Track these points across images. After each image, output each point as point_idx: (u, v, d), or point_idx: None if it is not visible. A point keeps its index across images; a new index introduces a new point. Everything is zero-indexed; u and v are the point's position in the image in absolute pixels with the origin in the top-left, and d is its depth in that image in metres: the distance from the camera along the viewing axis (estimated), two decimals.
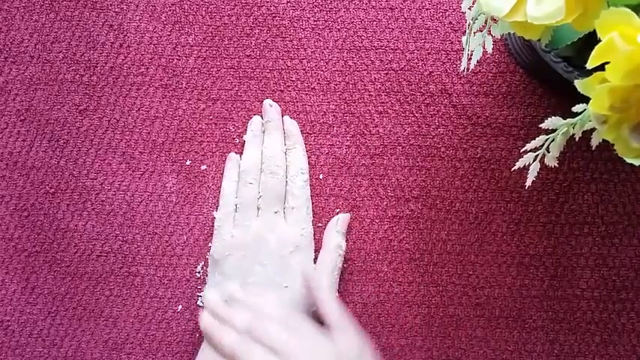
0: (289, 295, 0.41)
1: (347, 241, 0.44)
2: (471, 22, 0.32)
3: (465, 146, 0.44)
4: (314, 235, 0.44)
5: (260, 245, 0.42)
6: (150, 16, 0.46)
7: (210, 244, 0.44)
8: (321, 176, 0.45)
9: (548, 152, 0.31)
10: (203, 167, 0.45)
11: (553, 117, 0.29)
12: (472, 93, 0.44)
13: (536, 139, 0.31)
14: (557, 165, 0.31)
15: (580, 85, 0.25)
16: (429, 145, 0.44)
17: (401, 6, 0.45)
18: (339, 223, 0.43)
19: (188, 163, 0.45)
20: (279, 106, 0.45)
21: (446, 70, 0.45)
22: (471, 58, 0.34)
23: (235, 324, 0.37)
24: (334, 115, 0.45)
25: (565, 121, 0.29)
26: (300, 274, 0.42)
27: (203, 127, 0.45)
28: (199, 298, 0.44)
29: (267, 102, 0.45)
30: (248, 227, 0.42)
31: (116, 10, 0.46)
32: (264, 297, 0.41)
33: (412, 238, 0.44)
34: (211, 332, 0.37)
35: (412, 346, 0.43)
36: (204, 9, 0.46)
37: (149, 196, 0.45)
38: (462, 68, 0.43)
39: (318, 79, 0.45)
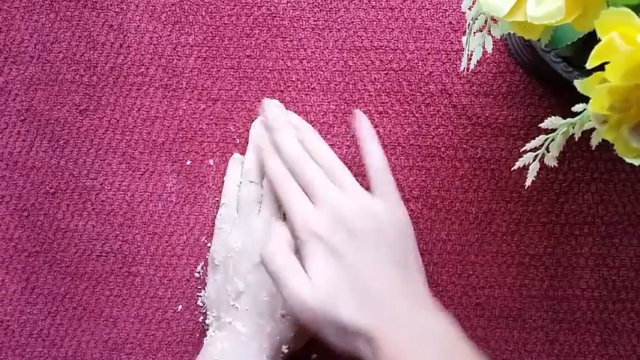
0: None
1: None
2: (471, 22, 0.32)
3: (465, 146, 0.44)
4: None
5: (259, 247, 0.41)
6: (150, 16, 0.46)
7: (210, 245, 0.44)
8: None
9: (548, 152, 0.31)
10: (203, 167, 0.45)
11: (553, 117, 0.29)
12: (472, 93, 0.44)
13: (536, 138, 0.31)
14: (557, 165, 0.31)
15: (580, 85, 0.25)
16: (429, 145, 0.44)
17: (401, 6, 0.45)
18: None
19: (188, 163, 0.45)
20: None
21: (446, 70, 0.45)
22: (471, 58, 0.34)
23: (282, 149, 0.38)
24: (334, 115, 0.45)
25: (565, 120, 0.29)
26: None
27: (203, 128, 0.45)
28: (199, 298, 0.44)
29: (266, 102, 0.44)
30: (248, 228, 0.42)
31: (116, 10, 0.46)
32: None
33: None
34: (260, 145, 0.39)
35: None
36: (204, 9, 0.46)
37: (149, 196, 0.45)
38: (462, 68, 0.43)
39: (318, 79, 0.45)
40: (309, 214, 0.35)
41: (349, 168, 0.44)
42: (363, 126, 0.39)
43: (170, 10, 0.46)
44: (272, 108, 0.42)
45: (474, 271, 0.43)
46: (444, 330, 0.33)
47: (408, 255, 0.35)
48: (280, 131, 0.40)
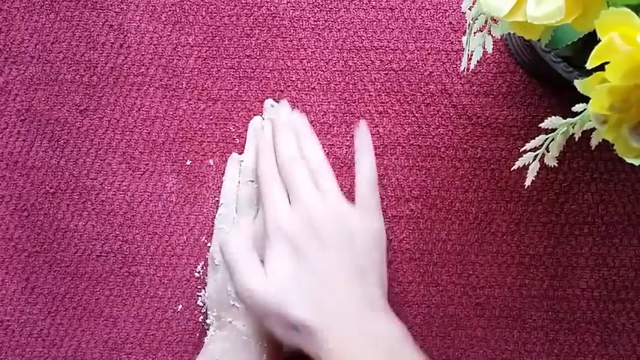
0: None
1: None
2: (471, 22, 0.32)
3: (465, 146, 0.44)
4: None
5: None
6: (150, 16, 0.46)
7: (210, 244, 0.44)
8: None
9: (548, 152, 0.31)
10: (203, 167, 0.45)
11: (553, 117, 0.29)
12: (472, 93, 0.44)
13: (536, 138, 0.31)
14: (557, 165, 0.31)
15: (580, 85, 0.25)
16: (429, 145, 0.44)
17: (401, 6, 0.45)
18: None
19: (188, 163, 0.45)
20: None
21: (446, 70, 0.45)
22: (471, 58, 0.34)
23: (278, 150, 0.39)
24: (334, 115, 0.45)
25: (565, 120, 0.29)
26: None
27: (203, 128, 0.45)
28: (199, 297, 0.44)
29: (268, 102, 0.45)
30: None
31: (116, 10, 0.46)
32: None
33: (412, 238, 0.44)
34: (260, 150, 0.41)
35: None
36: (204, 9, 0.46)
37: (149, 196, 0.45)
38: (462, 68, 0.43)
39: (318, 79, 0.45)
40: (281, 211, 0.36)
41: (349, 168, 0.44)
42: (362, 137, 0.40)
43: (170, 10, 0.46)
44: (281, 110, 0.43)
45: (474, 271, 0.43)
46: (390, 333, 0.34)
47: (370, 265, 0.36)
48: (281, 133, 0.41)
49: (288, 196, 0.38)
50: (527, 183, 0.32)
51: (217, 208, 0.44)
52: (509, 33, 0.41)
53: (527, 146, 0.31)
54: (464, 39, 0.34)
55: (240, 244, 0.37)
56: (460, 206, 0.44)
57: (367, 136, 0.40)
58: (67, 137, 0.46)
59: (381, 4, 0.45)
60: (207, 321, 0.42)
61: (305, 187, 0.37)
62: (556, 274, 0.43)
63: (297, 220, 0.36)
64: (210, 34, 0.46)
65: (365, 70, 0.45)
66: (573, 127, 0.29)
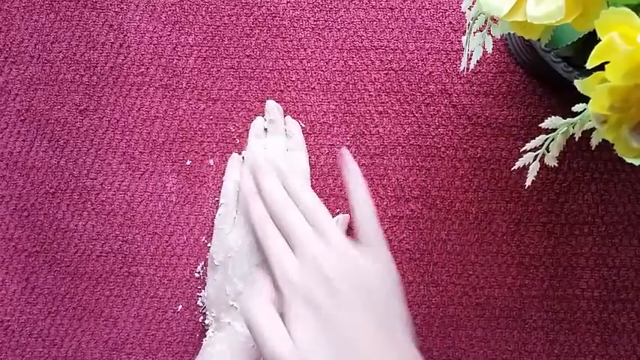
0: None
1: None
2: (471, 22, 0.32)
3: (465, 146, 0.44)
4: None
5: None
6: (150, 16, 0.46)
7: (209, 245, 0.44)
8: (321, 176, 0.45)
9: (548, 152, 0.31)
10: (203, 167, 0.45)
11: (553, 117, 0.29)
12: (472, 93, 0.44)
13: (536, 138, 0.31)
14: (557, 165, 0.31)
15: (580, 85, 0.25)
16: (429, 145, 0.44)
17: (401, 6, 0.45)
18: (338, 224, 0.43)
19: (188, 163, 0.45)
20: (280, 106, 0.45)
21: (446, 70, 0.45)
22: (470, 58, 0.34)
23: (264, 194, 0.37)
24: (334, 115, 0.45)
25: (565, 120, 0.29)
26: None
27: (203, 127, 0.45)
28: (199, 298, 0.44)
29: (270, 102, 0.45)
30: (248, 229, 0.42)
31: (116, 10, 0.46)
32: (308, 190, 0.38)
33: (412, 238, 0.44)
34: (246, 198, 0.38)
35: None
36: (204, 9, 0.46)
37: (149, 196, 0.45)
38: (461, 68, 0.43)
39: (318, 79, 0.45)
40: (290, 267, 0.34)
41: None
42: (352, 172, 0.37)
43: (170, 10, 0.46)
44: (254, 147, 0.41)
45: (474, 271, 0.43)
46: None
47: (394, 313, 0.34)
48: (263, 174, 0.38)
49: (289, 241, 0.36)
50: (528, 183, 0.32)
51: (217, 208, 0.44)
52: (509, 33, 0.41)
53: (528, 146, 0.31)
54: (464, 39, 0.34)
55: (264, 309, 0.34)
56: (460, 206, 0.44)
57: (355, 167, 0.37)
58: (67, 137, 0.46)
59: (381, 4, 0.45)
60: (206, 321, 0.42)
61: (306, 236, 0.35)
62: (556, 274, 0.43)
63: (309, 276, 0.33)
64: (210, 34, 0.46)
65: (365, 70, 0.45)
66: (573, 127, 0.29)
